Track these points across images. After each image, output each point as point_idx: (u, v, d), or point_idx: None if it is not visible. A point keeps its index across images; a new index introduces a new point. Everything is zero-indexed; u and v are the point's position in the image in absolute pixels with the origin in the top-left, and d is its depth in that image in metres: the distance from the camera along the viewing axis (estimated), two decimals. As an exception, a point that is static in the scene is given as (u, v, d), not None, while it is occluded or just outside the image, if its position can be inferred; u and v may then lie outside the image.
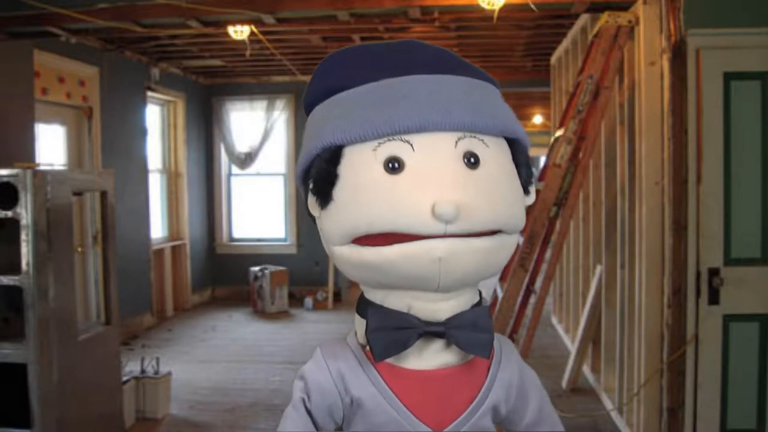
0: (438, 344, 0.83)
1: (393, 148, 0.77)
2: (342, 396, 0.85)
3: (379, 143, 0.77)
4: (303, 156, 0.84)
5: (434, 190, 0.75)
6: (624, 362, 3.49)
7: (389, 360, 0.83)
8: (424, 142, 0.77)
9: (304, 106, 0.89)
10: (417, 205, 0.74)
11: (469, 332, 0.81)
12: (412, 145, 0.77)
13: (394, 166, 0.77)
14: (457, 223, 0.74)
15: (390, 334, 0.80)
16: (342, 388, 0.84)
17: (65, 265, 2.94)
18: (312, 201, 0.83)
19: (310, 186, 0.83)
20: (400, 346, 0.81)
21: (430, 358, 0.84)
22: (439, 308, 0.82)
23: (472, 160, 0.78)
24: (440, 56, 0.85)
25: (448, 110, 0.77)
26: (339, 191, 0.80)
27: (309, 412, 0.86)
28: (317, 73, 0.87)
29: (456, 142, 0.77)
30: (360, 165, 0.78)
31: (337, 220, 0.80)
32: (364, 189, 0.77)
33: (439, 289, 0.79)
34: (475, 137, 0.79)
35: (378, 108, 0.78)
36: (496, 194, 0.79)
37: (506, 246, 0.82)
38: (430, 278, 0.77)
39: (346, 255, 0.81)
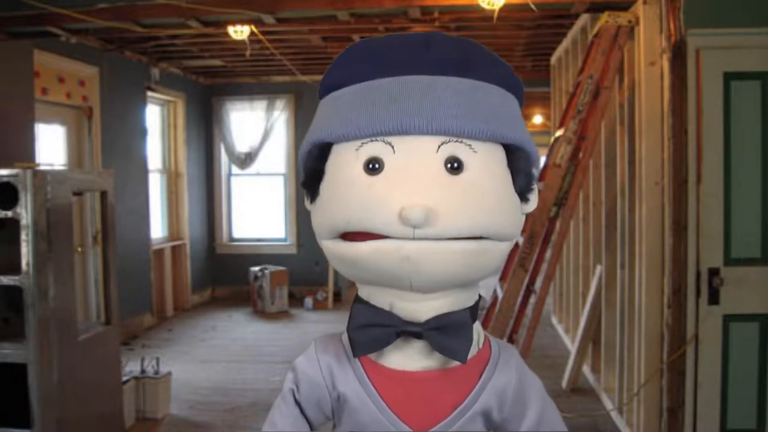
0: (422, 345, 0.82)
1: (374, 149, 0.77)
2: (330, 390, 0.85)
3: (362, 143, 0.78)
4: (300, 151, 0.86)
5: (407, 194, 0.74)
6: (624, 362, 3.49)
7: (375, 358, 0.84)
8: (405, 144, 0.76)
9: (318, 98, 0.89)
10: (388, 207, 0.74)
11: (445, 335, 0.80)
12: (393, 147, 0.77)
13: (373, 166, 0.77)
14: (426, 228, 0.73)
15: (370, 330, 0.80)
16: (330, 382, 0.85)
17: (65, 265, 2.94)
18: (305, 195, 0.86)
19: (302, 180, 0.85)
20: (380, 344, 0.81)
21: (414, 358, 0.83)
22: (420, 308, 0.81)
23: (455, 165, 0.76)
24: (456, 54, 0.81)
25: (434, 115, 0.76)
26: (324, 187, 0.82)
27: (298, 403, 0.87)
28: (331, 66, 0.86)
29: (438, 147, 0.76)
30: (343, 163, 0.79)
31: (321, 215, 0.82)
32: (344, 187, 0.78)
33: (413, 288, 0.79)
34: (461, 142, 0.77)
35: (365, 109, 0.78)
36: (476, 200, 0.77)
37: (490, 251, 0.80)
38: (401, 276, 0.77)
39: (330, 249, 0.83)
